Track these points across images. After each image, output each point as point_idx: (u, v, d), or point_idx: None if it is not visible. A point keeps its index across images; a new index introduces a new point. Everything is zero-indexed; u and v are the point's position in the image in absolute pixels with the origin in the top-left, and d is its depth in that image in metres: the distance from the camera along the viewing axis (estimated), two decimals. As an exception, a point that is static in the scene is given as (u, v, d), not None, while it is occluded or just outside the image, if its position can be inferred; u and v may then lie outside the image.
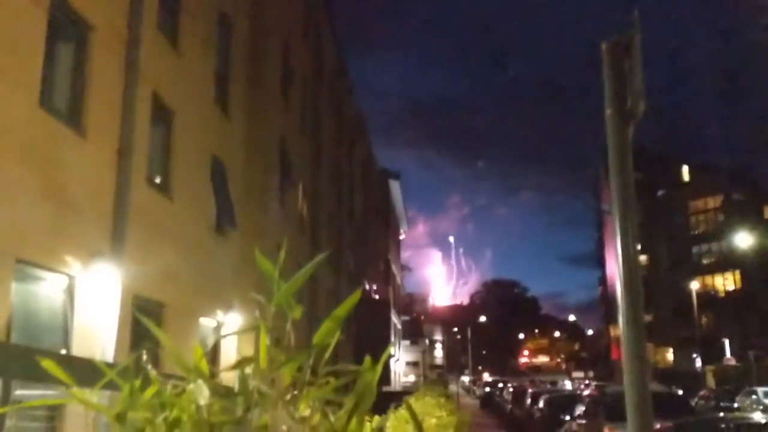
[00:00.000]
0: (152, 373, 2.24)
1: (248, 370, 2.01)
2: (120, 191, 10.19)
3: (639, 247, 3.33)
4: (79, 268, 9.21)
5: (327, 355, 2.28)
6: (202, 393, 1.87)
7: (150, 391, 2.21)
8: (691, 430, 10.42)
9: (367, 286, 42.71)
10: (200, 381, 1.92)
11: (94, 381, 2.38)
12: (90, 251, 9.43)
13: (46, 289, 8.96)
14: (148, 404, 2.14)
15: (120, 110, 10.41)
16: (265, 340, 2.08)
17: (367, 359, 2.15)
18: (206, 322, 12.79)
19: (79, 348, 8.72)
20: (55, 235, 8.87)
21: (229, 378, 2.14)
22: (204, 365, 2.03)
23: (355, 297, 2.25)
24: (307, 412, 2.11)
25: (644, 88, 3.38)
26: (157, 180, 12.04)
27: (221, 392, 2.07)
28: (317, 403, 2.16)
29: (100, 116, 9.98)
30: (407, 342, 66.74)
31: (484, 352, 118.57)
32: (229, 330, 12.74)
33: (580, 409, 16.77)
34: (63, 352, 8.60)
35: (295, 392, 2.13)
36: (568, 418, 17.50)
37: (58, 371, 2.21)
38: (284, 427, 1.97)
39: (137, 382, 2.18)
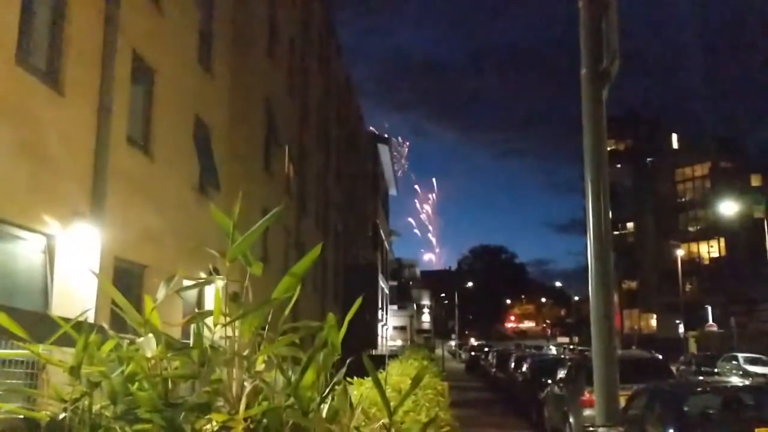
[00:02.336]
0: (106, 328, 2.21)
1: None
2: (100, 150, 10.05)
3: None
4: (58, 228, 9.12)
5: (287, 311, 2.25)
6: (150, 346, 1.85)
7: (108, 346, 2.19)
8: (668, 392, 10.55)
9: (355, 251, 42.79)
10: (150, 334, 1.90)
11: (63, 337, 2.34)
12: (69, 211, 9.34)
13: (24, 249, 8.88)
14: (104, 359, 2.11)
15: (99, 68, 10.21)
16: (219, 296, 2.05)
17: (330, 316, 2.12)
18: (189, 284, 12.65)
19: (59, 309, 8.67)
20: (33, 194, 8.77)
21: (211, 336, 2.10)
22: (155, 318, 2.00)
23: (314, 252, 2.22)
24: (262, 367, 2.09)
25: (619, 48, 3.33)
26: (138, 139, 11.88)
27: (176, 346, 2.05)
28: (274, 358, 2.14)
29: (79, 74, 9.79)
30: (395, 307, 67.20)
31: (471, 317, 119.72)
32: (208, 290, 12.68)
33: (562, 373, 16.97)
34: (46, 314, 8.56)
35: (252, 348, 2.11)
36: (550, 381, 17.72)
37: (11, 325, 2.18)
38: (238, 382, 1.95)
39: (92, 337, 2.16)
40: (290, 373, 2.08)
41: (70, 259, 9.22)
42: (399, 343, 62.51)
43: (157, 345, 1.99)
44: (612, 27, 3.34)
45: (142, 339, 1.90)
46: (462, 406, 20.71)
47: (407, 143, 60.08)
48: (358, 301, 2.49)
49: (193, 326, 2.10)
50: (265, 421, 1.84)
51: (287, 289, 2.18)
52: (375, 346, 41.95)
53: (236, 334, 2.07)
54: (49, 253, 9.10)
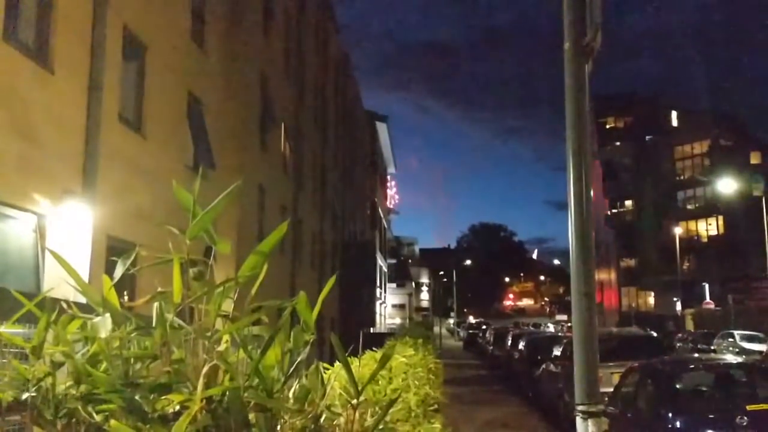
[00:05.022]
0: (66, 306, 2.18)
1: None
2: (91, 128, 9.97)
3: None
4: (48, 207, 9.07)
5: (254, 290, 2.21)
6: (105, 325, 1.82)
7: (74, 325, 2.15)
8: (661, 370, 10.58)
9: (353, 229, 42.79)
10: (107, 314, 1.86)
11: (28, 314, 2.30)
12: (60, 190, 9.28)
13: (15, 228, 8.83)
14: (68, 339, 2.08)
15: (89, 44, 10.09)
16: (179, 274, 2.01)
17: (302, 295, 2.08)
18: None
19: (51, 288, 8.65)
20: (23, 172, 8.71)
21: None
22: (113, 297, 1.97)
23: (281, 230, 2.17)
24: (224, 347, 2.05)
25: (602, 22, 3.27)
26: (130, 117, 11.78)
27: (139, 325, 2.01)
28: (238, 338, 2.10)
29: (69, 50, 9.68)
30: (393, 285, 67.37)
31: (469, 295, 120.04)
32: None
33: (557, 351, 17.05)
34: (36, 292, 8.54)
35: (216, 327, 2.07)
36: (545, 359, 17.80)
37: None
38: (200, 362, 1.92)
39: (55, 315, 2.12)
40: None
41: (62, 237, 9.18)
42: (398, 321, 62.79)
43: (119, 325, 1.95)
44: (595, 1, 3.28)
45: (98, 318, 1.87)
46: (458, 384, 20.85)
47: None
48: (332, 280, 2.45)
49: (155, 305, 2.06)
50: (226, 401, 1.81)
51: (253, 267, 2.14)
52: (373, 324, 42.14)
53: (201, 313, 2.04)
54: (40, 232, 9.07)
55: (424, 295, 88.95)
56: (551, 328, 57.95)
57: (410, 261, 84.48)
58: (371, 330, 38.41)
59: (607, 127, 77.39)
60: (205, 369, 1.78)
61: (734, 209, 57.16)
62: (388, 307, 61.34)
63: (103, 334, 1.81)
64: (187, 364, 1.90)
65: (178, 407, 1.77)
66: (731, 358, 14.59)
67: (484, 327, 52.86)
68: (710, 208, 62.94)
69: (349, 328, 31.61)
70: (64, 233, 9.24)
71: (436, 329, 48.69)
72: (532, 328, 47.91)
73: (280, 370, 1.95)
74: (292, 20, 24.40)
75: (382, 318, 53.41)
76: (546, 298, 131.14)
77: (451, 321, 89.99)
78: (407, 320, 62.26)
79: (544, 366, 17.39)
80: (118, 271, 2.05)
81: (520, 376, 21.66)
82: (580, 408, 3.07)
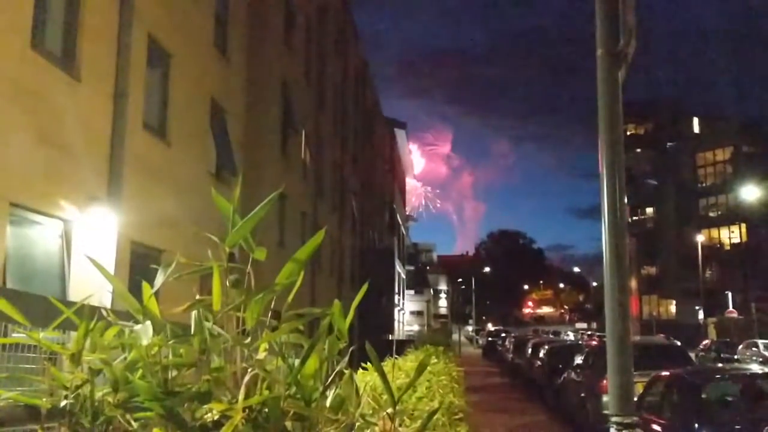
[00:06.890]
0: (105, 313, 2.18)
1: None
2: (116, 135, 10.07)
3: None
4: (74, 213, 9.16)
5: (290, 297, 2.20)
6: (146, 333, 1.81)
7: (111, 332, 2.15)
8: (686, 379, 10.45)
9: (372, 235, 42.79)
10: (148, 322, 1.86)
11: (66, 321, 2.31)
12: (86, 196, 9.37)
13: (42, 234, 8.92)
14: (105, 346, 2.08)
15: (115, 53, 10.21)
16: (218, 282, 2.00)
17: (336, 303, 2.07)
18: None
19: (76, 294, 8.72)
20: (50, 179, 8.80)
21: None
22: (154, 305, 1.96)
23: (317, 238, 2.16)
24: (263, 355, 2.04)
25: (636, 28, 3.24)
26: (155, 124, 11.89)
27: (177, 333, 2.01)
28: (276, 345, 2.09)
29: (95, 58, 9.79)
30: (412, 292, 67.14)
31: (488, 302, 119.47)
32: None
33: (579, 359, 16.90)
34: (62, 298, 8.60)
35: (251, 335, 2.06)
36: (567, 367, 17.63)
37: (11, 310, 2.15)
38: (239, 370, 1.91)
39: (93, 323, 2.12)
40: (295, 361, 2.03)
41: (87, 243, 9.26)
42: (416, 327, 62.61)
43: (158, 332, 1.95)
44: (628, 6, 3.24)
45: (139, 326, 1.86)
46: (478, 392, 20.73)
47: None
48: (364, 288, 2.43)
49: (194, 313, 2.05)
50: (265, 410, 1.80)
51: (290, 274, 2.13)
52: (392, 331, 42.05)
53: (239, 321, 2.03)
54: (66, 238, 9.15)
55: (443, 302, 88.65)
56: (571, 336, 57.43)
57: (428, 268, 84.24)
58: (389, 337, 38.31)
59: (628, 133, 76.79)
60: (247, 378, 1.77)
61: (757, 217, 56.48)
62: (406, 313, 61.20)
63: (145, 342, 1.80)
64: (225, 372, 1.89)
65: (217, 416, 1.76)
66: (757, 368, 14.38)
67: (503, 335, 52.52)
68: (733, 215, 62.16)
69: (368, 335, 31.56)
70: (89, 239, 9.31)
71: (455, 336, 48.52)
72: (551, 336, 47.52)
73: (318, 379, 1.94)
74: (313, 28, 24.52)
75: (400, 325, 53.30)
76: (565, 306, 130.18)
77: (470, 328, 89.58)
78: (425, 327, 62.07)
79: (565, 375, 17.23)
80: (159, 280, 2.05)
81: (542, 385, 21.48)
82: (614, 419, 3.03)
